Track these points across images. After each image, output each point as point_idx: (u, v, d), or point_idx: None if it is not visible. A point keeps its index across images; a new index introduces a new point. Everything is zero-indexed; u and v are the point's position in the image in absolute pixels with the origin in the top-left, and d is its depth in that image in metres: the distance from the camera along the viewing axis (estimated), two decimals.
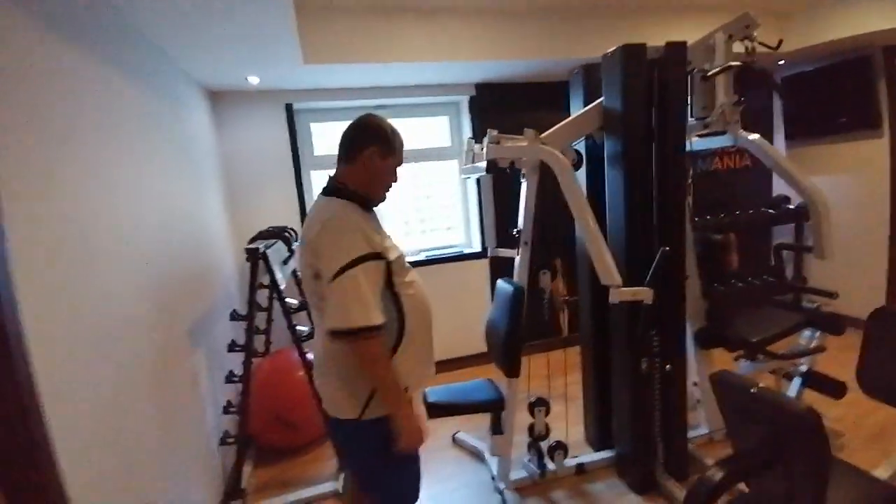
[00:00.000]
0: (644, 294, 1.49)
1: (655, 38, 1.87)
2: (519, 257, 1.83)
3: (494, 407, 1.82)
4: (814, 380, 2.09)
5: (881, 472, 1.35)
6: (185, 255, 1.94)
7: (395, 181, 1.26)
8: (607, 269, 1.51)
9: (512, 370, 1.78)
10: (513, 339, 1.75)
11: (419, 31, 2.46)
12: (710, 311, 2.04)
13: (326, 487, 2.06)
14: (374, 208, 1.25)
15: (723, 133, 1.90)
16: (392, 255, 1.15)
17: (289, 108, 2.85)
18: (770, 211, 3.50)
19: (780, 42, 1.86)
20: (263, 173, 2.87)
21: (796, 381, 2.16)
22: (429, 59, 2.50)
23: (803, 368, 2.16)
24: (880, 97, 2.96)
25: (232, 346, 2.05)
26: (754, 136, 1.87)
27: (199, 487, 1.78)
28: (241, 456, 2.11)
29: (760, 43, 1.84)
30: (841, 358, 1.94)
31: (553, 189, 1.69)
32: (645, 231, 1.77)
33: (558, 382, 2.37)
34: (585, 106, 1.87)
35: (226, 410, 2.05)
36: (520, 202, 1.84)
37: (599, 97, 1.81)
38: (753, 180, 3.77)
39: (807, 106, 3.28)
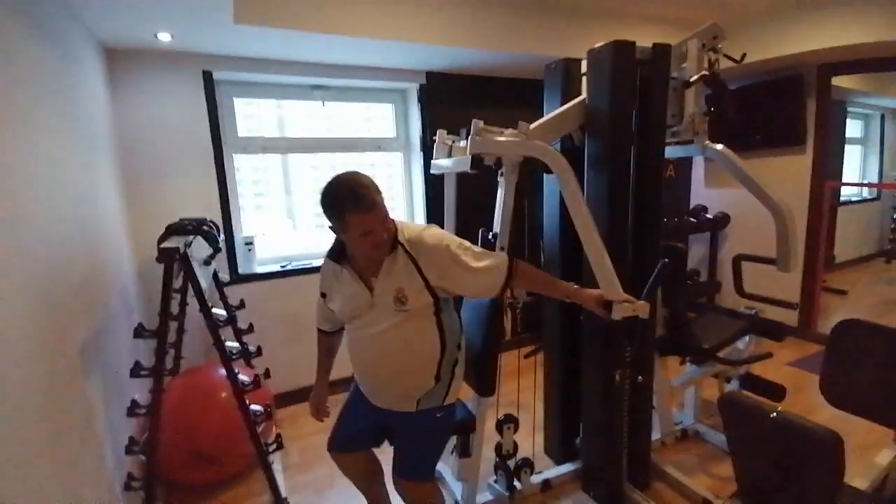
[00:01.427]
0: (642, 309, 1.40)
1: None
2: None
3: (464, 429, 1.65)
4: (753, 383, 2.22)
5: (859, 483, 1.41)
6: (77, 256, 1.50)
7: (370, 237, 1.22)
8: (611, 282, 1.40)
9: (487, 388, 1.61)
10: (489, 355, 1.59)
11: (370, 3, 2.18)
12: (669, 320, 2.05)
13: None
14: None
15: (690, 142, 1.90)
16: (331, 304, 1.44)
17: (208, 77, 2.39)
18: (692, 220, 3.80)
19: (744, 56, 1.90)
20: (173, 154, 2.37)
21: (735, 384, 2.28)
22: (377, 37, 2.22)
23: (742, 372, 2.29)
24: (808, 114, 3.19)
25: (136, 371, 1.63)
26: (720, 147, 1.90)
27: None
28: (150, 501, 1.71)
29: (725, 55, 1.88)
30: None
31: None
32: (623, 239, 1.70)
33: (507, 388, 2.22)
34: (563, 104, 1.75)
35: (128, 450, 1.63)
36: (496, 203, 1.68)
37: (575, 96, 1.71)
38: (675, 191, 4.02)
39: (739, 119, 3.46)
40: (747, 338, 2.26)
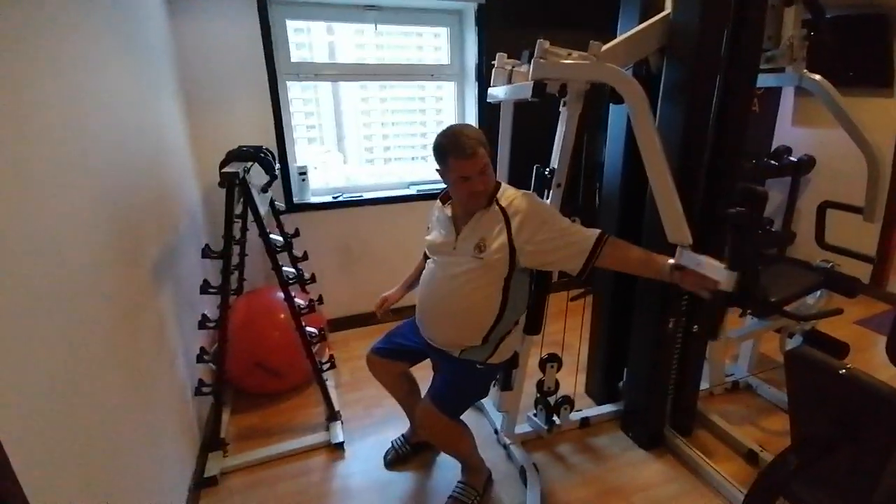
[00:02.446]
0: (728, 283, 1.27)
1: None
2: (549, 202, 1.59)
3: (508, 363, 1.67)
4: (817, 340, 2.08)
5: None
6: (144, 181, 1.57)
7: (467, 183, 1.34)
8: (678, 227, 1.30)
9: (533, 327, 1.61)
10: (537, 295, 1.57)
11: None
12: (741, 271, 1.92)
13: (316, 438, 1.91)
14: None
15: (783, 70, 1.67)
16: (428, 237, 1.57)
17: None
18: (773, 163, 3.43)
19: None
20: (230, 81, 2.38)
21: (798, 340, 2.16)
22: None
23: (806, 327, 2.15)
24: (894, 55, 2.79)
25: (205, 288, 1.75)
26: (818, 77, 1.66)
27: (174, 442, 1.57)
28: (218, 405, 1.91)
29: None
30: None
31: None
32: (696, 180, 1.56)
33: (553, 329, 2.21)
34: (641, 23, 1.55)
35: (199, 359, 1.79)
36: (556, 136, 1.56)
37: (656, 15, 1.51)
38: (757, 129, 3.62)
39: (823, 52, 3.05)
40: (818, 293, 2.09)
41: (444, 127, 1.41)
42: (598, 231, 1.36)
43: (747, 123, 1.56)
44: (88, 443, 1.00)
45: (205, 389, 1.79)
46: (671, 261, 1.33)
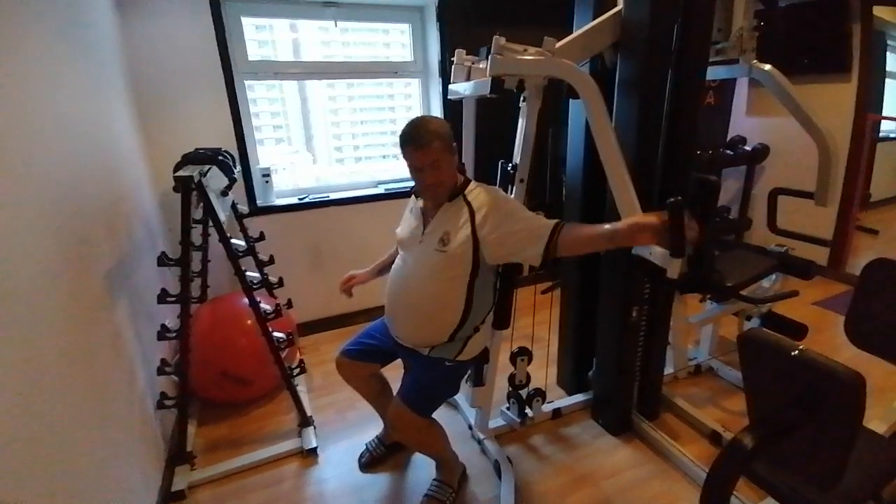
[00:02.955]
0: (673, 270, 1.30)
1: None
2: (513, 196, 1.61)
3: (478, 360, 1.68)
4: (774, 321, 2.18)
5: (877, 426, 1.41)
6: (96, 186, 1.51)
7: (420, 174, 1.37)
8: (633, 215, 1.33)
9: (502, 321, 1.62)
10: (504, 290, 1.58)
11: None
12: (692, 257, 1.98)
13: (288, 445, 1.87)
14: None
15: (735, 61, 1.72)
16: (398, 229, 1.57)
17: None
18: (728, 152, 3.56)
19: None
20: (185, 82, 2.29)
21: (756, 322, 2.25)
22: None
23: (763, 310, 2.24)
24: (852, 41, 2.89)
25: (163, 297, 1.69)
26: (768, 67, 1.72)
27: (137, 457, 1.51)
28: (183, 418, 1.84)
29: None
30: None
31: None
32: (651, 172, 1.60)
33: (523, 323, 2.23)
34: (594, 19, 1.58)
35: (160, 371, 1.73)
36: (517, 131, 1.58)
37: (611, 9, 1.53)
38: (713, 120, 3.74)
39: (786, 40, 3.15)
40: (774, 276, 2.19)
41: None
42: (555, 220, 1.36)
43: (698, 115, 1.60)
44: (46, 463, 0.96)
45: (167, 402, 1.73)
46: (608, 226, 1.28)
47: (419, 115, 2.87)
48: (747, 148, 3.56)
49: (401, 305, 1.50)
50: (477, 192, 1.42)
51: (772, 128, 3.48)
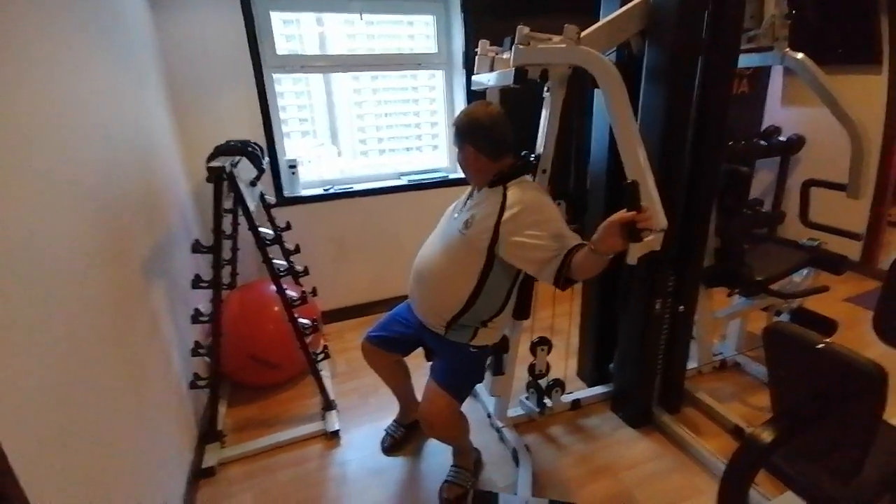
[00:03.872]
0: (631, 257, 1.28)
1: None
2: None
3: (498, 348, 1.70)
4: (804, 317, 2.12)
5: None
6: (133, 176, 1.58)
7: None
8: (653, 210, 1.32)
9: (522, 312, 1.63)
10: (524, 282, 1.59)
11: None
12: (720, 250, 1.94)
13: (312, 427, 1.94)
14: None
15: (769, 49, 1.67)
16: None
17: None
18: (762, 143, 3.45)
19: None
20: (216, 75, 2.37)
21: (785, 318, 2.19)
22: None
23: (794, 305, 2.18)
24: (882, 33, 2.76)
25: (196, 282, 1.77)
26: (801, 56, 1.66)
27: (171, 435, 1.60)
28: (214, 398, 1.93)
29: None
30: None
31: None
32: (678, 163, 1.57)
33: (543, 315, 2.23)
34: (621, 7, 1.55)
35: (194, 353, 1.82)
36: (540, 121, 1.57)
37: None
38: (747, 109, 3.62)
39: (808, 31, 3.03)
40: (805, 271, 2.12)
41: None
42: (575, 243, 1.27)
43: (729, 103, 1.56)
44: (86, 441, 1.03)
45: (200, 383, 1.82)
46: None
47: (443, 111, 2.97)
48: (782, 138, 3.43)
49: (417, 272, 1.52)
50: (518, 189, 1.37)
51: (808, 118, 3.35)
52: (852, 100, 3.08)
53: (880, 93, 2.88)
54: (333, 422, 1.95)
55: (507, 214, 1.33)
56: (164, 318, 1.66)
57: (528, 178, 1.46)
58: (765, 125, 3.60)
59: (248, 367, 2.10)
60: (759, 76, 3.53)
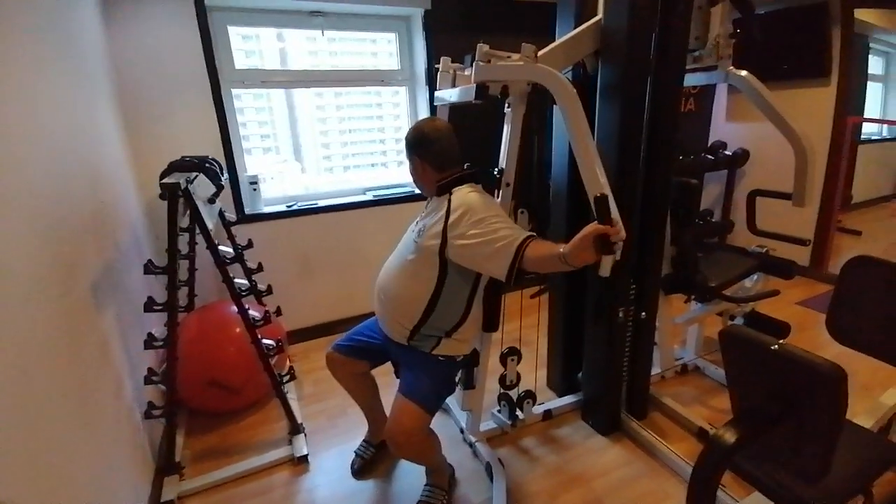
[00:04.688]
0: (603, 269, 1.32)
1: None
2: (500, 200, 1.63)
3: (468, 362, 1.69)
4: (757, 321, 2.23)
5: (863, 421, 1.44)
6: (83, 193, 1.50)
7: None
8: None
9: (491, 324, 1.64)
10: (492, 294, 1.60)
11: None
12: (676, 258, 2.03)
13: (279, 453, 1.85)
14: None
15: (714, 68, 1.78)
16: None
17: (200, 5, 2.26)
18: (709, 157, 3.65)
19: None
20: (172, 90, 2.30)
21: (739, 321, 2.29)
22: None
23: (747, 309, 2.29)
24: (832, 46, 2.97)
25: (149, 305, 1.67)
26: (744, 73, 1.78)
27: (127, 469, 1.49)
28: (171, 427, 1.83)
29: None
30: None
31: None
32: (632, 176, 1.64)
33: (511, 327, 2.24)
34: (576, 28, 1.62)
35: (147, 380, 1.71)
36: (503, 137, 1.61)
37: (591, 18, 1.58)
38: (694, 126, 3.83)
39: (765, 47, 3.21)
40: (755, 276, 2.24)
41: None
42: (525, 234, 1.27)
43: (677, 120, 1.65)
44: (33, 477, 0.94)
45: (155, 412, 1.71)
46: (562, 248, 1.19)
47: (407, 126, 2.97)
48: (728, 152, 3.65)
49: (380, 286, 1.53)
50: (462, 193, 1.39)
51: (751, 133, 3.58)
52: (801, 111, 3.29)
53: (828, 103, 3.08)
54: (301, 446, 1.87)
55: (451, 218, 1.34)
56: (115, 343, 1.56)
57: (470, 185, 1.43)
58: (711, 140, 3.83)
59: (208, 393, 1.99)
60: (706, 94, 3.76)
